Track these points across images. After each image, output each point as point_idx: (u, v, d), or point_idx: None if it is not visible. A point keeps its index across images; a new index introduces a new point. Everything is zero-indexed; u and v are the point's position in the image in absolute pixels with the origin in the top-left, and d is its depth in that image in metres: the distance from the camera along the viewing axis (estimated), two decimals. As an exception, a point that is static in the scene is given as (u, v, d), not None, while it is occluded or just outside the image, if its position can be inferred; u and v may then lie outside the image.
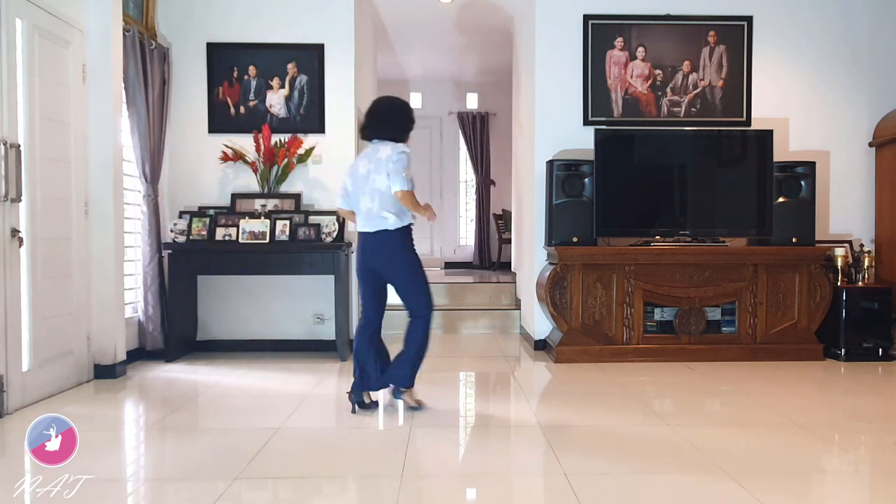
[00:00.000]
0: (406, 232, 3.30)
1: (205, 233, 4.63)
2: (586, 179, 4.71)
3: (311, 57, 4.98)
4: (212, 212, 4.78)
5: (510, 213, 8.09)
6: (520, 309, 5.97)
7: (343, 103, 5.03)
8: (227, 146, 4.90)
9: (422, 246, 9.27)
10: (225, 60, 4.97)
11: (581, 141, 4.98)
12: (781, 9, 5.14)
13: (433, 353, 4.99)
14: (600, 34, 5.03)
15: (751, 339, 4.66)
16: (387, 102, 3.39)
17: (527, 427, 3.16)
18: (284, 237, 4.64)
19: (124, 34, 4.25)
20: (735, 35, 5.07)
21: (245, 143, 4.92)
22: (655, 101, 5.05)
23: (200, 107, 4.98)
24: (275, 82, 4.98)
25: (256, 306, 5.04)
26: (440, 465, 2.68)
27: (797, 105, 5.19)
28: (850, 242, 5.08)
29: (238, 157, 4.88)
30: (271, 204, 4.86)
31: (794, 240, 4.70)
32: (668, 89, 5.05)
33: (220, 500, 2.27)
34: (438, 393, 3.82)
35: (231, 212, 4.81)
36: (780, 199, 4.74)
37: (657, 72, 5.04)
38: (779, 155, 4.85)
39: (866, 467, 2.77)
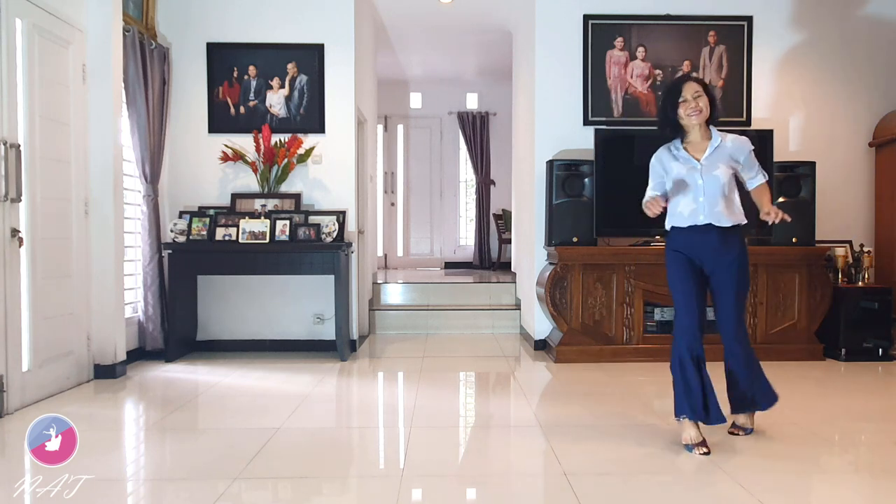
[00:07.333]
0: (669, 236, 3.02)
1: (205, 233, 4.63)
2: (586, 179, 4.72)
3: (311, 57, 4.98)
4: (212, 212, 4.77)
5: (510, 213, 8.09)
6: (520, 309, 5.97)
7: (343, 103, 5.02)
8: (227, 146, 4.90)
9: (422, 246, 9.42)
10: (225, 60, 4.97)
11: (581, 141, 4.98)
12: (781, 9, 5.14)
13: (433, 353, 5.02)
14: (600, 34, 5.03)
15: (751, 338, 4.64)
16: None
17: (527, 427, 3.16)
18: (284, 237, 4.63)
19: (124, 34, 4.25)
20: (735, 35, 5.07)
21: (245, 143, 4.92)
22: (656, 101, 5.03)
23: (200, 107, 4.98)
24: (275, 82, 4.98)
25: (256, 306, 5.04)
26: (440, 465, 2.68)
27: (797, 105, 5.20)
28: (850, 242, 5.08)
29: (238, 157, 4.88)
30: (271, 204, 4.86)
31: (794, 240, 4.70)
32: (668, 89, 5.04)
33: (220, 500, 2.27)
34: (439, 393, 3.82)
35: (231, 212, 4.81)
36: (781, 199, 4.74)
37: (657, 72, 5.04)
38: (779, 155, 4.85)
39: (866, 467, 2.77)
